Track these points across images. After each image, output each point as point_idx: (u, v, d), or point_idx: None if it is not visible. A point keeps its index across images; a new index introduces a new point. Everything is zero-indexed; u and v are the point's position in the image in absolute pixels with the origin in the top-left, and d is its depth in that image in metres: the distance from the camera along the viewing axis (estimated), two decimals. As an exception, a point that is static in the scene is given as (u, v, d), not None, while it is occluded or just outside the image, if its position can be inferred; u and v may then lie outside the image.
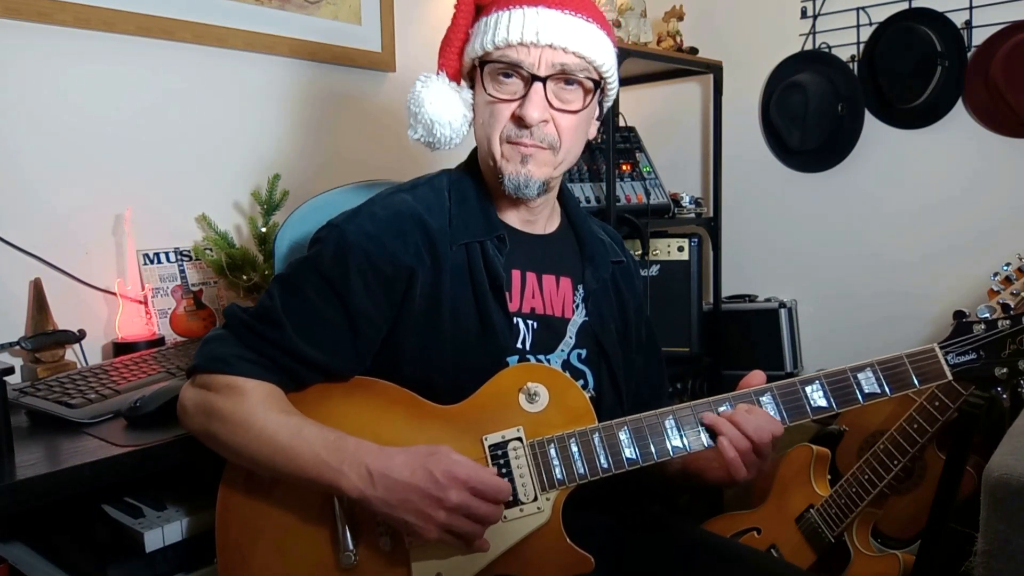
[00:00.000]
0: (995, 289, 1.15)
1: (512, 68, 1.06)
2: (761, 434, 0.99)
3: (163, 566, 1.23)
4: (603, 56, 1.08)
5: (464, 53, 1.13)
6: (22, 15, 1.50)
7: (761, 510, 1.90)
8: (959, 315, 1.03)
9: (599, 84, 1.09)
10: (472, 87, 1.14)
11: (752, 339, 2.51)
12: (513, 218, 1.17)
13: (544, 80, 1.05)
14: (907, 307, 2.36)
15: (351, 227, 1.07)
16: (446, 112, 1.11)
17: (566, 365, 1.16)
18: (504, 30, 1.05)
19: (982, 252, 2.20)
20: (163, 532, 1.23)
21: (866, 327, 2.45)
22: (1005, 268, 1.20)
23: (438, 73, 1.13)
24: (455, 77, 1.14)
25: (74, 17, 1.57)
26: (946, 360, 1.00)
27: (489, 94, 1.08)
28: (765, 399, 1.03)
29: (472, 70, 1.13)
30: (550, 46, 1.04)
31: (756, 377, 1.06)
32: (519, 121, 1.06)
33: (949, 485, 1.58)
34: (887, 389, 1.01)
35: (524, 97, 1.05)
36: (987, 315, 1.01)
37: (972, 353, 1.00)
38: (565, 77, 1.07)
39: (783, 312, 2.47)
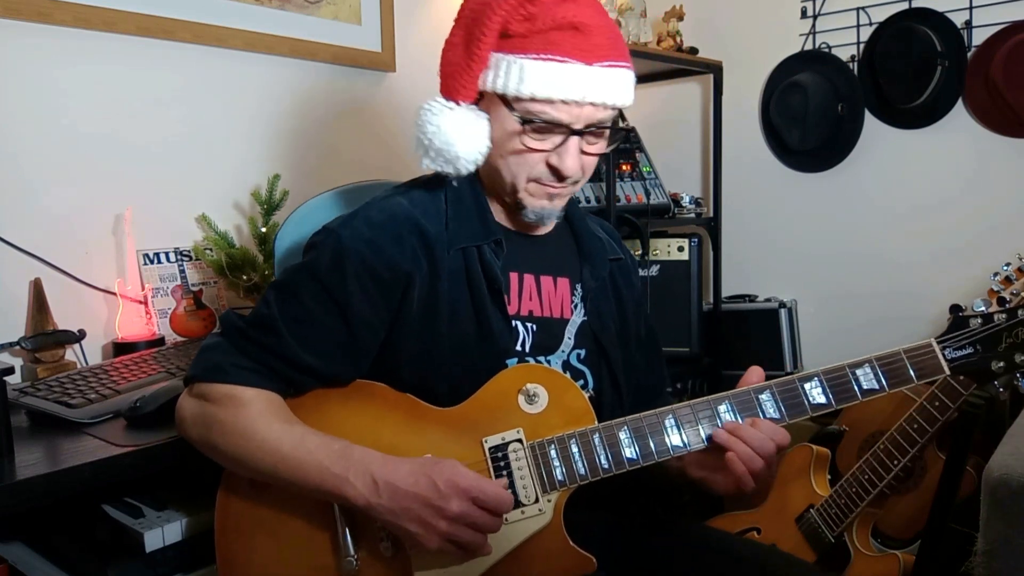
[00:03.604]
0: (995, 289, 1.16)
1: (552, 124, 1.03)
2: (767, 446, 0.98)
3: (163, 566, 1.23)
4: (631, 98, 1.08)
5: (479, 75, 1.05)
6: (22, 15, 1.50)
7: (761, 510, 1.90)
8: (955, 309, 1.03)
9: (621, 116, 1.10)
10: (483, 108, 1.07)
11: (752, 339, 2.51)
12: (510, 220, 1.17)
13: (581, 133, 1.05)
14: (907, 307, 2.36)
15: (347, 232, 1.06)
16: (472, 145, 1.06)
17: (566, 366, 1.16)
18: (550, 87, 1.00)
19: (982, 252, 2.20)
20: (163, 532, 1.23)
21: (866, 327, 2.45)
22: (1005, 268, 1.20)
23: (457, 103, 1.05)
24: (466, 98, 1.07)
25: (74, 17, 1.57)
26: (943, 355, 1.00)
27: (527, 146, 1.05)
28: (764, 397, 1.02)
29: (488, 95, 1.06)
30: (591, 104, 1.03)
31: (754, 374, 1.05)
32: (555, 171, 1.06)
33: (949, 485, 1.57)
34: (885, 384, 1.00)
35: (560, 147, 1.05)
36: (983, 309, 1.01)
37: (969, 348, 1.00)
38: (599, 130, 1.07)
39: (783, 312, 2.47)
